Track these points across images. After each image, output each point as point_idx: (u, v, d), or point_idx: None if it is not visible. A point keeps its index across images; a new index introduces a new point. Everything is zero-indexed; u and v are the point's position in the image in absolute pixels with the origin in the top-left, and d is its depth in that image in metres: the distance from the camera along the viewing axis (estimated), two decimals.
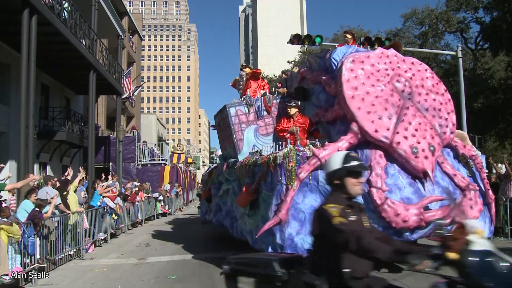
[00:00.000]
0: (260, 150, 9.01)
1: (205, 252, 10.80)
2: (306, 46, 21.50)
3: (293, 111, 8.99)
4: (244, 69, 11.39)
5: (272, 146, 9.00)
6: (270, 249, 7.31)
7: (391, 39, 16.65)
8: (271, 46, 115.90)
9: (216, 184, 11.38)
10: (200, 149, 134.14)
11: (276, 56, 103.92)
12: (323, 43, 19.34)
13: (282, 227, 7.09)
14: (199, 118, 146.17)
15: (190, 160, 41.37)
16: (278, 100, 10.21)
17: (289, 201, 7.04)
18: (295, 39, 18.54)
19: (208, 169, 15.49)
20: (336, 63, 8.42)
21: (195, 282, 7.88)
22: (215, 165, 13.05)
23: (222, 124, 10.58)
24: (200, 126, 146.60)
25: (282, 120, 9.21)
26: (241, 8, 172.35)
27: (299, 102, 9.21)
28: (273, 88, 12.67)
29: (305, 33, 20.36)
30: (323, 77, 8.76)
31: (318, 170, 7.12)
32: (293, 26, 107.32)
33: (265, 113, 10.03)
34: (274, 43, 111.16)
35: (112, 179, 16.39)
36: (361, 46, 13.96)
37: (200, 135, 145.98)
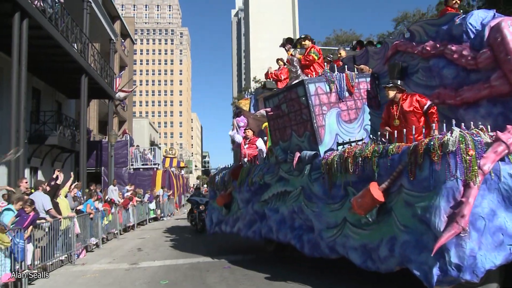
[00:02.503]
0: (371, 139, 7.16)
1: (197, 256, 10.75)
2: (298, 49, 21.55)
3: (391, 93, 7.14)
4: (303, 42, 9.47)
5: (364, 137, 7.60)
6: (436, 271, 5.30)
7: (383, 42, 16.75)
8: (263, 50, 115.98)
9: (253, 187, 9.47)
10: (192, 153, 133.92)
11: (269, 60, 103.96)
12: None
13: (460, 239, 5.16)
14: (192, 122, 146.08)
15: (182, 164, 41.23)
16: (359, 80, 8.37)
17: (472, 202, 5.19)
18: (287, 43, 18.53)
19: (219, 168, 12.28)
20: (474, 30, 6.81)
21: (187, 286, 7.83)
22: (240, 163, 10.68)
23: (287, 107, 8.31)
24: (192, 130, 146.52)
25: (386, 109, 7.36)
26: (233, 12, 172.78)
27: (399, 81, 7.26)
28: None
29: (297, 37, 20.37)
30: (452, 47, 6.96)
31: (499, 161, 5.39)
32: (285, 30, 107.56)
33: (347, 94, 8.10)
34: (267, 47, 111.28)
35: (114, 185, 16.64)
36: (354, 50, 13.92)
37: (192, 139, 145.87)
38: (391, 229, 6.10)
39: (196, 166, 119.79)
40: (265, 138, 10.56)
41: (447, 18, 7.36)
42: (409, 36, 8.04)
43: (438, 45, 7.26)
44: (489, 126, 5.82)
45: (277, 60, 12.09)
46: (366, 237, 6.50)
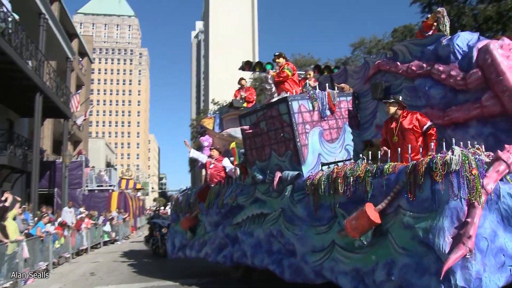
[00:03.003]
0: (361, 159, 6.71)
1: (152, 280, 10.43)
2: (258, 72, 21.74)
3: (392, 109, 6.81)
4: (277, 60, 9.32)
5: (350, 157, 7.51)
6: None
7: (340, 67, 17.22)
8: (223, 72, 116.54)
9: (224, 209, 9.01)
10: (149, 174, 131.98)
11: (228, 82, 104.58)
12: (273, 70, 19.61)
13: (465, 261, 4.96)
14: (149, 143, 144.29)
15: (138, 186, 40.54)
16: (340, 99, 8.22)
17: (477, 223, 5.02)
18: (246, 66, 18.69)
19: (181, 190, 11.87)
20: (461, 51, 6.82)
21: None
22: (206, 184, 10.17)
23: (267, 125, 7.93)
24: (149, 152, 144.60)
25: (384, 126, 7.14)
26: (193, 34, 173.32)
27: (400, 97, 6.96)
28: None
29: (257, 60, 20.61)
30: (440, 67, 6.94)
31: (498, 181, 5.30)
32: (245, 52, 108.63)
33: (328, 112, 7.92)
34: (226, 69, 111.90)
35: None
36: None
37: (149, 160, 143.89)
38: (388, 252, 5.80)
39: (153, 188, 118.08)
40: (232, 158, 10.35)
41: (433, 39, 7.35)
42: (391, 55, 7.99)
43: (424, 65, 7.23)
44: (483, 146, 5.74)
45: (240, 79, 11.99)
46: (359, 261, 6.15)
